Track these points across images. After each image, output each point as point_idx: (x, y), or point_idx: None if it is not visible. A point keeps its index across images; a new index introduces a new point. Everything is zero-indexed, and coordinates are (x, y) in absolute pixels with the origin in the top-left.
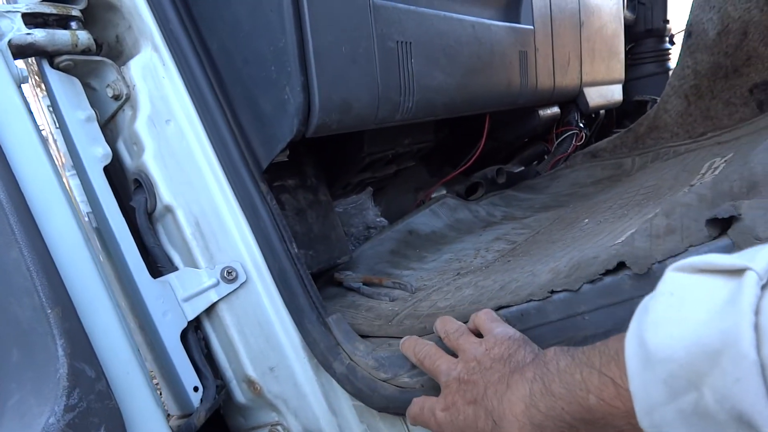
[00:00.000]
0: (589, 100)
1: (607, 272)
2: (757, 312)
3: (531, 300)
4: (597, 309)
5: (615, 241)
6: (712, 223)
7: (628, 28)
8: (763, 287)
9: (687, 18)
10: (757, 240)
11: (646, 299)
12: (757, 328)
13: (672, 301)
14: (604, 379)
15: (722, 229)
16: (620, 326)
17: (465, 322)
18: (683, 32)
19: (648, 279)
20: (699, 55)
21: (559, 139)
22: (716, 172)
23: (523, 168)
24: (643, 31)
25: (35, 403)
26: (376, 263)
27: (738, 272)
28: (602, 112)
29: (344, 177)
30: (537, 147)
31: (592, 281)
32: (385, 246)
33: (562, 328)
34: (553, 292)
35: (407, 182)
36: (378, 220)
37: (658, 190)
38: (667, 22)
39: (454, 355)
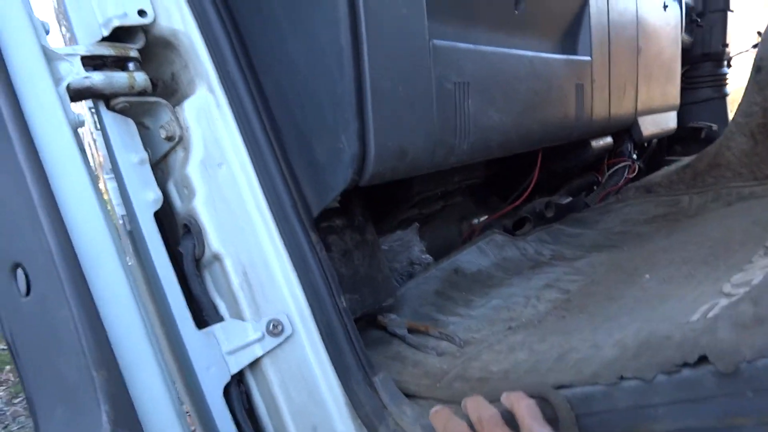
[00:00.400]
0: (643, 129)
1: (686, 363)
2: None
3: (596, 383)
4: (673, 403)
5: (688, 318)
6: None
7: (685, 51)
8: None
9: (756, 51)
10: None
11: None
12: None
13: None
14: None
15: None
16: (700, 426)
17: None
18: (750, 65)
19: (735, 378)
20: None
21: (611, 171)
22: None
23: (571, 199)
24: (700, 54)
25: None
26: (420, 305)
27: None
28: (654, 141)
29: (393, 216)
30: (587, 177)
31: (668, 372)
32: (430, 285)
33: (631, 418)
34: (622, 377)
35: (452, 214)
36: (423, 256)
37: (728, 246)
38: (726, 46)
39: None
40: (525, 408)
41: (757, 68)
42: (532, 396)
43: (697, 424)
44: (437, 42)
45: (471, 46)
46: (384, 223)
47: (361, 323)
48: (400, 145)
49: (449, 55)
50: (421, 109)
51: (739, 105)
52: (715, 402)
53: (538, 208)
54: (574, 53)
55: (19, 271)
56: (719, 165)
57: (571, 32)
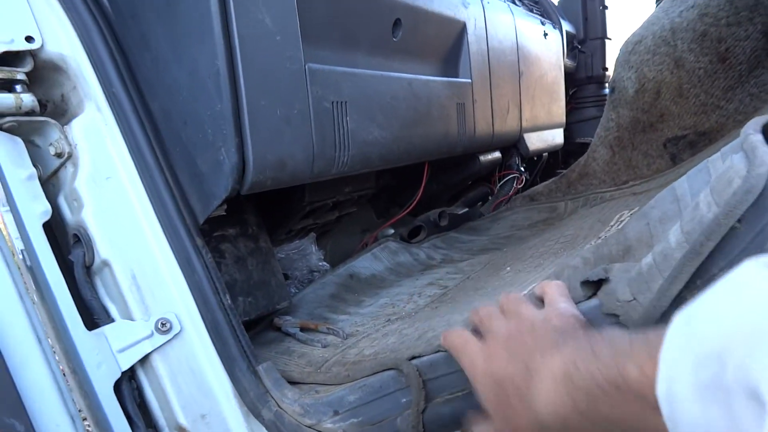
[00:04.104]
0: (529, 144)
1: None
2: None
3: (439, 351)
4: None
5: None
6: (586, 284)
7: (570, 74)
8: None
9: (612, 74)
10: (618, 302)
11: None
12: None
13: (735, 285)
14: (651, 353)
15: (595, 289)
16: None
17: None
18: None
19: None
20: (621, 110)
21: (501, 182)
22: (620, 225)
23: (467, 209)
24: (584, 77)
25: None
26: (315, 308)
27: None
28: (545, 154)
29: (286, 224)
30: (480, 189)
31: None
32: (326, 290)
33: (465, 378)
34: None
35: (353, 225)
36: (321, 264)
37: (575, 240)
38: (606, 69)
39: None
40: (554, 285)
41: (611, 89)
42: (390, 368)
43: None
44: (313, 65)
45: (348, 69)
46: (278, 233)
47: (259, 327)
48: (279, 157)
49: (326, 77)
50: (299, 125)
51: (601, 120)
52: None
53: (433, 217)
54: (455, 76)
55: None
56: (587, 174)
57: (451, 58)
